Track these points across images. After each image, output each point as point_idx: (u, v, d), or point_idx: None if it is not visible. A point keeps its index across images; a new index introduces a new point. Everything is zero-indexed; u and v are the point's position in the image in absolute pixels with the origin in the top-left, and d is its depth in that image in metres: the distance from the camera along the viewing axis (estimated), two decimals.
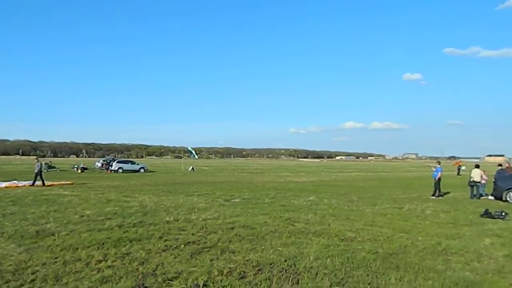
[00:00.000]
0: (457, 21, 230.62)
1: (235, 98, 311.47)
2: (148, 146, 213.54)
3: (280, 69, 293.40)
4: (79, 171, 39.30)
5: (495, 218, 11.00)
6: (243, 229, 8.71)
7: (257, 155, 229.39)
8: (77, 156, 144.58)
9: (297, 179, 31.95)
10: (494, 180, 17.05)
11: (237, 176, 35.25)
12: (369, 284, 5.08)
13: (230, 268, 5.65)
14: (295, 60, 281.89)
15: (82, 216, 10.25)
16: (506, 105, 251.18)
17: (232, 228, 8.74)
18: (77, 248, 6.65)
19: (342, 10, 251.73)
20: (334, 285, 5.01)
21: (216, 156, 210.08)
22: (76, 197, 14.78)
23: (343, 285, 5.02)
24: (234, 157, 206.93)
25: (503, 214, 11.31)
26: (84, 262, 5.85)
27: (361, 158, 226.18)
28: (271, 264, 5.85)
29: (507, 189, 15.97)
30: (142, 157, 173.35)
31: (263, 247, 6.99)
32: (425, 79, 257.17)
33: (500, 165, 18.45)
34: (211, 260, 6.04)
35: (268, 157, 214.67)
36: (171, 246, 6.93)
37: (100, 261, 5.91)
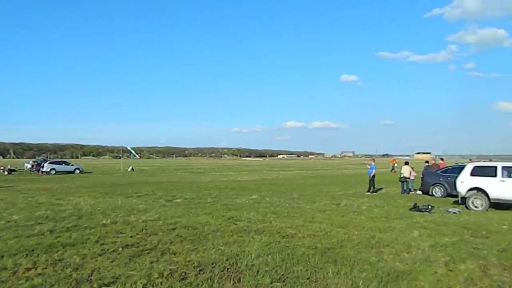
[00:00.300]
0: (390, 27, 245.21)
1: (176, 97, 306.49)
2: (84, 145, 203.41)
3: (222, 69, 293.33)
4: (6, 173, 36.38)
5: (422, 212, 11.83)
6: (185, 229, 8.58)
7: (199, 154, 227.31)
8: (3, 157, 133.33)
9: (240, 178, 32.13)
10: (422, 176, 18.36)
11: (179, 176, 34.67)
12: (308, 278, 5.23)
13: (170, 270, 5.53)
14: (237, 60, 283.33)
15: (9, 221, 9.48)
16: (433, 106, 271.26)
17: (174, 229, 8.57)
18: (2, 257, 6.14)
19: (282, 12, 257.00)
20: (275, 282, 5.11)
21: (157, 156, 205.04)
22: (1, 201, 13.66)
23: (284, 281, 5.13)
24: (176, 157, 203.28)
25: (430, 207, 12.21)
26: (11, 271, 5.43)
27: (302, 156, 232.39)
28: (212, 264, 5.82)
29: (433, 184, 17.26)
30: (78, 157, 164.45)
31: (205, 247, 6.94)
32: (361, 81, 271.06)
33: (427, 162, 19.93)
34: (151, 263, 5.88)
35: (211, 157, 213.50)
36: (108, 250, 6.64)
37: (29, 269, 5.51)
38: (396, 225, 9.43)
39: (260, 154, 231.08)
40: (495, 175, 12.57)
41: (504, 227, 9.23)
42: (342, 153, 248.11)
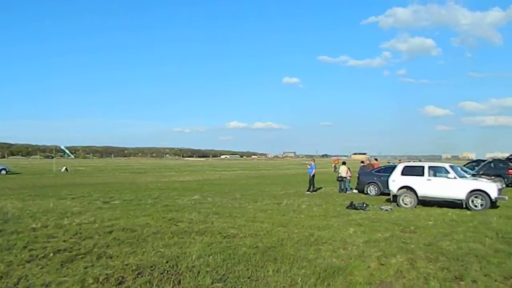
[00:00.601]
0: (329, 33, 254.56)
1: (116, 95, 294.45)
2: (12, 144, 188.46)
3: (164, 69, 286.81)
4: None
5: (358, 209, 12.43)
6: (123, 232, 8.26)
7: (140, 154, 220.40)
8: None
9: (182, 178, 31.63)
10: (357, 175, 19.29)
11: (118, 177, 33.33)
12: (248, 277, 5.27)
13: (107, 274, 5.31)
14: (180, 61, 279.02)
15: None
16: (369, 109, 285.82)
17: (111, 232, 8.21)
18: None
19: (227, 14, 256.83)
20: (215, 282, 5.09)
21: (95, 156, 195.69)
22: None
23: (225, 281, 5.12)
24: (114, 157, 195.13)
25: (364, 205, 12.86)
26: None
27: (245, 156, 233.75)
28: (152, 267, 5.67)
29: (367, 183, 18.19)
30: (4, 157, 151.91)
31: (144, 249, 6.73)
32: (302, 83, 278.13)
33: (362, 162, 20.97)
34: (85, 268, 5.60)
35: (152, 157, 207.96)
36: (37, 256, 6.21)
37: None
38: (334, 223, 9.81)
39: (203, 154, 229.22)
40: (422, 174, 13.53)
41: (430, 222, 9.94)
42: (284, 153, 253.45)
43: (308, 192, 18.50)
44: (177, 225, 9.16)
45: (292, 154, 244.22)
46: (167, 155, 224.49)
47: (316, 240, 7.65)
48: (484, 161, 25.47)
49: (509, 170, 22.20)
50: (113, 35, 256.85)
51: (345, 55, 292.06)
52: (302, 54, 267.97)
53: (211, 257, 6.23)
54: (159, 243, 7.24)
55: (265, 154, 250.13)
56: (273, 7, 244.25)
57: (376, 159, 23.41)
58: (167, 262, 5.92)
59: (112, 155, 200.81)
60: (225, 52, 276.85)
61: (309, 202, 14.43)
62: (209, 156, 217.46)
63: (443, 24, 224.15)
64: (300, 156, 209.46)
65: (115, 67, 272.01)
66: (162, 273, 5.40)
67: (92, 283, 4.97)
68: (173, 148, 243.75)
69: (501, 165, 23.24)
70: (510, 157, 23.83)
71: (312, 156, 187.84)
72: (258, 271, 5.55)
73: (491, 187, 12.52)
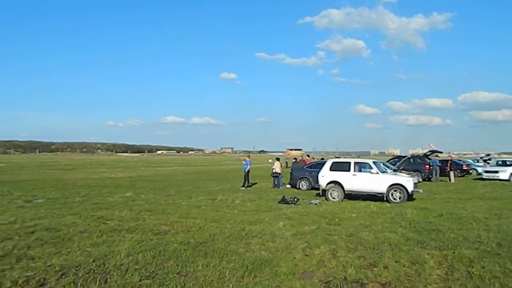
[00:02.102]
0: (267, 30, 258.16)
1: (41, 87, 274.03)
2: None
3: (96, 57, 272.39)
4: None
5: (289, 204, 12.93)
6: (47, 232, 7.89)
7: (69, 149, 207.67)
8: None
9: (114, 175, 30.49)
10: (290, 171, 19.97)
11: (42, 174, 31.24)
12: (178, 273, 5.35)
13: (27, 276, 5.08)
14: (113, 49, 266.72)
15: None
16: (304, 106, 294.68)
17: (33, 232, 7.80)
18: None
19: (167, 3, 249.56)
20: (144, 279, 5.10)
21: (17, 151, 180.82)
22: None
23: (153, 278, 5.15)
24: (40, 152, 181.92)
25: (295, 200, 13.40)
26: None
27: (182, 152, 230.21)
28: (77, 267, 5.52)
29: (299, 178, 18.93)
30: None
31: (69, 249, 6.51)
32: (240, 79, 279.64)
33: (295, 158, 21.71)
34: (3, 271, 5.31)
35: (82, 152, 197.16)
36: None
37: None
38: (265, 217, 10.14)
39: (138, 149, 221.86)
40: (349, 170, 14.40)
41: (354, 215, 10.65)
42: (221, 149, 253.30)
43: (243, 188, 18.81)
44: (106, 223, 8.92)
45: (230, 150, 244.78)
46: (99, 151, 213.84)
47: (247, 234, 7.89)
48: (404, 157, 27.62)
49: (426, 166, 24.33)
50: (40, 21, 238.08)
51: (282, 53, 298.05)
52: (240, 50, 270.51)
53: (140, 254, 6.20)
54: (86, 242, 7.04)
55: (202, 150, 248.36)
56: (212, 3, 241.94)
57: (308, 155, 24.39)
58: (93, 261, 5.80)
59: (37, 150, 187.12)
60: (162, 47, 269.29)
61: (243, 197, 14.72)
62: (144, 152, 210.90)
63: (373, 27, 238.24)
64: (238, 152, 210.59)
65: (39, 55, 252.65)
66: (88, 273, 5.28)
67: (11, 287, 4.75)
68: (105, 143, 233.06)
69: (419, 161, 25.39)
70: (427, 154, 26.06)
71: (249, 151, 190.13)
72: (188, 266, 5.64)
73: (408, 181, 13.67)
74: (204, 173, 34.45)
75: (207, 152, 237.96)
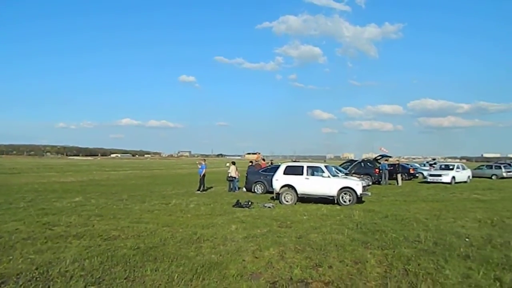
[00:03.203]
0: (226, 34, 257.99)
1: None
2: None
3: (49, 59, 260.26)
4: None
5: (243, 207, 13.07)
6: None
7: (14, 152, 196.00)
8: None
9: (64, 179, 29.24)
10: (246, 175, 20.15)
11: None
12: (125, 278, 5.31)
13: None
14: (65, 52, 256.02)
15: None
16: (262, 110, 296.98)
17: None
18: None
19: (122, 7, 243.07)
20: (89, 285, 5.01)
21: None
22: None
23: (99, 284, 5.08)
24: None
25: (250, 203, 13.57)
26: None
27: (137, 156, 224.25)
28: (18, 275, 5.32)
29: (255, 182, 19.15)
30: None
31: (10, 257, 6.24)
32: (199, 82, 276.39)
33: (251, 162, 21.93)
34: None
35: (30, 155, 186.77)
36: None
37: None
38: (218, 221, 10.21)
39: (91, 152, 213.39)
40: (302, 174, 14.78)
41: (305, 217, 10.97)
42: (179, 152, 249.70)
43: (198, 192, 18.74)
44: (52, 230, 8.62)
45: (188, 153, 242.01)
46: (48, 154, 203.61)
47: (199, 238, 7.93)
48: (356, 161, 28.68)
49: (376, 170, 25.40)
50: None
51: (241, 57, 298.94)
52: (199, 53, 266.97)
53: (87, 260, 6.07)
54: (30, 249, 6.78)
55: (159, 153, 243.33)
56: (171, 5, 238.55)
57: (263, 159, 24.70)
58: (36, 268, 5.62)
59: None
60: (119, 51, 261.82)
61: (198, 201, 14.69)
62: (97, 155, 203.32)
63: (329, 35, 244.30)
64: (196, 156, 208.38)
65: None
66: (29, 280, 5.12)
67: None
68: (55, 146, 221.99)
69: (369, 164, 26.47)
70: (377, 158, 27.22)
71: (207, 155, 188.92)
72: (136, 271, 5.61)
73: (357, 185, 14.25)
74: (160, 177, 33.89)
75: (164, 155, 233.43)
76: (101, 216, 10.66)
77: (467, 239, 7.87)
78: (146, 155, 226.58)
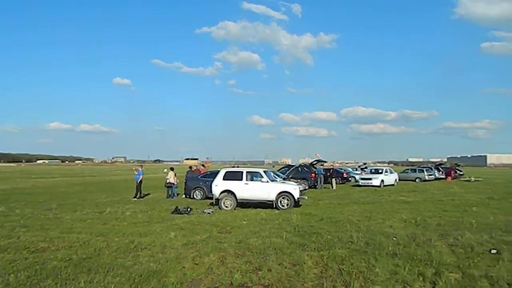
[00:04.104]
0: (164, 37, 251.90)
1: None
2: None
3: None
4: None
5: (182, 214, 12.88)
6: None
7: None
8: None
9: None
10: (185, 180, 19.88)
11: None
12: None
13: None
14: None
15: None
16: (201, 115, 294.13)
17: None
18: None
19: (56, 3, 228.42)
20: None
21: None
22: None
23: None
24: None
25: (189, 209, 13.42)
26: None
27: (67, 162, 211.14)
28: None
29: (194, 188, 18.95)
30: None
31: None
32: (134, 85, 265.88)
33: (190, 167, 21.67)
34: None
35: None
36: None
37: None
38: (157, 228, 9.98)
39: (14, 158, 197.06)
40: (241, 179, 14.92)
41: (244, 222, 11.08)
42: (113, 158, 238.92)
43: (135, 199, 18.15)
44: None
45: (123, 159, 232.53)
46: None
47: (136, 247, 7.71)
48: (293, 166, 29.52)
49: (312, 174, 26.33)
50: None
51: (179, 62, 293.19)
52: (135, 56, 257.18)
53: (12, 275, 5.66)
54: None
55: (91, 159, 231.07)
56: (106, 7, 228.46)
57: (203, 165, 24.55)
58: None
59: None
60: (48, 45, 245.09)
61: (135, 208, 14.24)
62: (21, 161, 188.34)
63: (268, 42, 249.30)
64: (131, 161, 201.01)
65: None
66: None
67: None
68: None
69: (306, 169, 27.38)
70: (313, 163, 28.23)
71: (144, 161, 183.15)
72: (69, 284, 5.33)
73: (295, 189, 14.70)
74: (93, 184, 32.22)
75: (96, 161, 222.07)
76: (27, 227, 9.94)
77: (394, 238, 8.45)
78: (77, 161, 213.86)
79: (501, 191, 23.92)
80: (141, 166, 20.89)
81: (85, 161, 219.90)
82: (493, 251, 7.18)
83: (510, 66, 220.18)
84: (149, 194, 20.84)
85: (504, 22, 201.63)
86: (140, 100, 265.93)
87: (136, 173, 19.44)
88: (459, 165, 52.48)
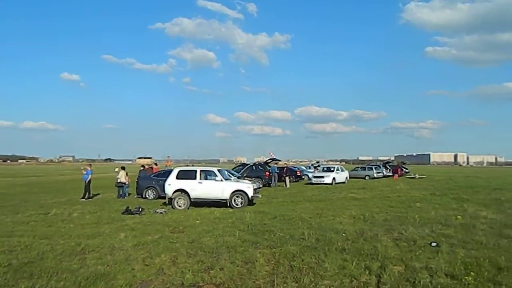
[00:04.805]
0: (116, 32, 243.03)
1: None
2: None
3: None
4: None
5: (133, 214, 12.54)
6: None
7: None
8: None
9: None
10: (136, 180, 19.37)
11: None
12: None
13: None
14: None
15: None
16: (155, 113, 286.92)
17: None
18: None
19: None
20: None
21: None
22: None
23: None
24: None
25: (140, 209, 13.09)
26: None
27: (9, 161, 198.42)
28: None
29: (146, 188, 18.50)
30: None
31: None
32: (84, 81, 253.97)
33: (142, 166, 21.14)
34: None
35: None
36: None
37: None
38: (106, 229, 9.65)
39: None
40: (195, 178, 14.77)
41: (198, 221, 10.98)
42: (60, 157, 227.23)
43: (83, 199, 17.42)
44: None
45: (71, 158, 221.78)
46: None
47: (83, 249, 7.42)
48: (248, 164, 29.66)
49: (266, 173, 26.58)
50: None
51: (132, 58, 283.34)
52: (84, 50, 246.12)
53: None
54: None
55: (36, 158, 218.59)
56: (53, 1, 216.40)
57: (156, 164, 24.02)
58: None
59: None
60: None
61: (83, 209, 13.69)
62: None
63: (223, 40, 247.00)
64: (80, 161, 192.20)
65: None
66: None
67: None
68: None
69: (260, 168, 27.60)
70: (267, 161, 28.52)
71: (94, 160, 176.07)
72: None
73: (249, 188, 14.77)
74: (37, 185, 30.50)
75: (42, 160, 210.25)
76: None
77: (343, 234, 8.75)
78: (20, 161, 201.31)
79: (442, 187, 25.48)
80: (90, 165, 20.05)
81: (29, 160, 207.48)
82: (433, 244, 7.63)
83: (451, 70, 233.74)
84: (98, 194, 20.08)
85: (446, 28, 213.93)
86: (90, 96, 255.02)
87: (85, 172, 18.65)
88: (405, 163, 55.24)
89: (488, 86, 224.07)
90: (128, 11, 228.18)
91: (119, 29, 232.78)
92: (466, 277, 5.43)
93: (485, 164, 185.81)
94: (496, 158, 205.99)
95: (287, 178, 27.00)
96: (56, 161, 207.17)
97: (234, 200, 14.53)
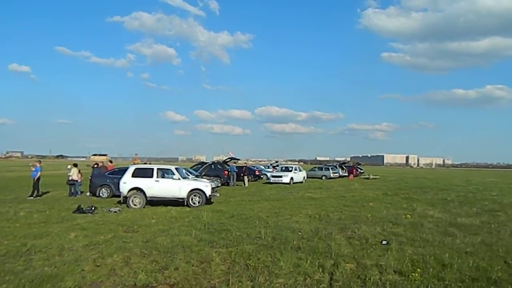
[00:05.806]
0: (71, 24, 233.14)
1: None
2: None
3: None
4: None
5: (85, 213, 12.08)
6: None
7: None
8: None
9: None
10: (90, 177, 18.67)
11: None
12: None
13: None
14: None
15: None
16: (111, 109, 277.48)
17: None
18: None
19: None
20: None
21: None
22: None
23: None
24: None
25: (93, 208, 12.63)
26: None
27: None
28: None
29: (100, 186, 17.87)
30: None
31: None
32: (35, 73, 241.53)
33: (96, 164, 20.40)
34: None
35: None
36: None
37: None
38: (55, 229, 9.22)
39: None
40: (151, 176, 14.45)
41: (153, 221, 10.75)
42: (7, 153, 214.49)
43: (31, 198, 16.55)
44: None
45: (19, 154, 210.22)
46: None
47: (29, 250, 7.06)
48: (207, 163, 29.45)
49: (225, 172, 26.52)
50: None
51: (87, 51, 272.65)
52: (35, 40, 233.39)
53: None
54: None
55: None
56: None
57: (110, 161, 23.24)
58: None
59: None
60: None
61: (30, 208, 13.02)
62: None
63: (184, 37, 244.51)
64: (29, 157, 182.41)
65: None
66: None
67: None
68: None
69: (219, 167, 27.49)
70: (226, 160, 28.45)
71: (44, 156, 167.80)
72: None
73: (207, 187, 14.66)
74: None
75: None
76: None
77: (299, 233, 8.90)
78: None
79: (394, 187, 26.58)
80: (40, 161, 19.05)
81: None
82: (384, 242, 7.94)
83: (404, 75, 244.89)
84: (48, 192, 19.17)
85: (400, 35, 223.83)
86: (41, 89, 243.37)
87: (33, 169, 17.71)
88: (360, 163, 57.14)
89: (438, 92, 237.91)
90: (85, 1, 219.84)
91: (75, 20, 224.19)
92: (413, 274, 5.69)
93: (434, 166, 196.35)
94: (443, 160, 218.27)
95: (245, 177, 27.07)
96: (3, 156, 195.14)
97: (192, 199, 14.37)
